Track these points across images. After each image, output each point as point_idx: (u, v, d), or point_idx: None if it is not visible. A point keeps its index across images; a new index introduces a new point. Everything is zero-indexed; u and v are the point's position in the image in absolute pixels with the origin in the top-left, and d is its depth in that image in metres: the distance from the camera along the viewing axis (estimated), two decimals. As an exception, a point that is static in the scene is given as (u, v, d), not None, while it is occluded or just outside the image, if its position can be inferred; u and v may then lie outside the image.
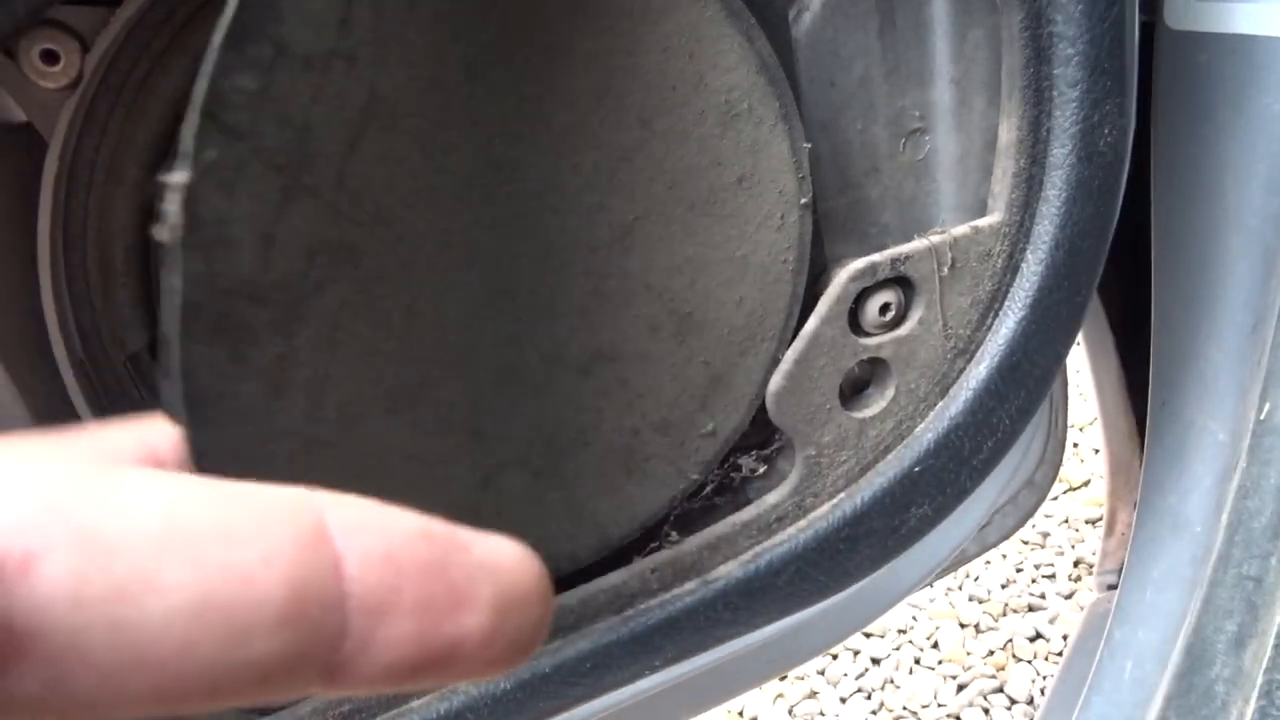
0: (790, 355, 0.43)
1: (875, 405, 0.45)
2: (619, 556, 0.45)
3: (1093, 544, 1.60)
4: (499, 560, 0.22)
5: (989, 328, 0.45)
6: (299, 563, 0.18)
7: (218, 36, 0.26)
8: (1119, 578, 0.64)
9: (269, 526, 0.18)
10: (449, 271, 0.36)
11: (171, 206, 0.25)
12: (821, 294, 0.44)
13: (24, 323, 0.33)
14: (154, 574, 0.17)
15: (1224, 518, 0.49)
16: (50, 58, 0.31)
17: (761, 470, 0.47)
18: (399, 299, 0.34)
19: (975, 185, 0.47)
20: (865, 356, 0.44)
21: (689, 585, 0.45)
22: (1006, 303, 0.45)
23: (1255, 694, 0.43)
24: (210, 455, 0.27)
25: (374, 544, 0.20)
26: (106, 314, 0.35)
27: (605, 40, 0.37)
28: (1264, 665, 0.43)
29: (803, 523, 0.46)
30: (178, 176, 0.25)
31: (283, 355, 0.31)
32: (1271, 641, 0.43)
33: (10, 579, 0.16)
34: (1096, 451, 1.74)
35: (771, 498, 0.46)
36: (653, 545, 0.45)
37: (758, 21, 0.39)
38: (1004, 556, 1.59)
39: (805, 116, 0.42)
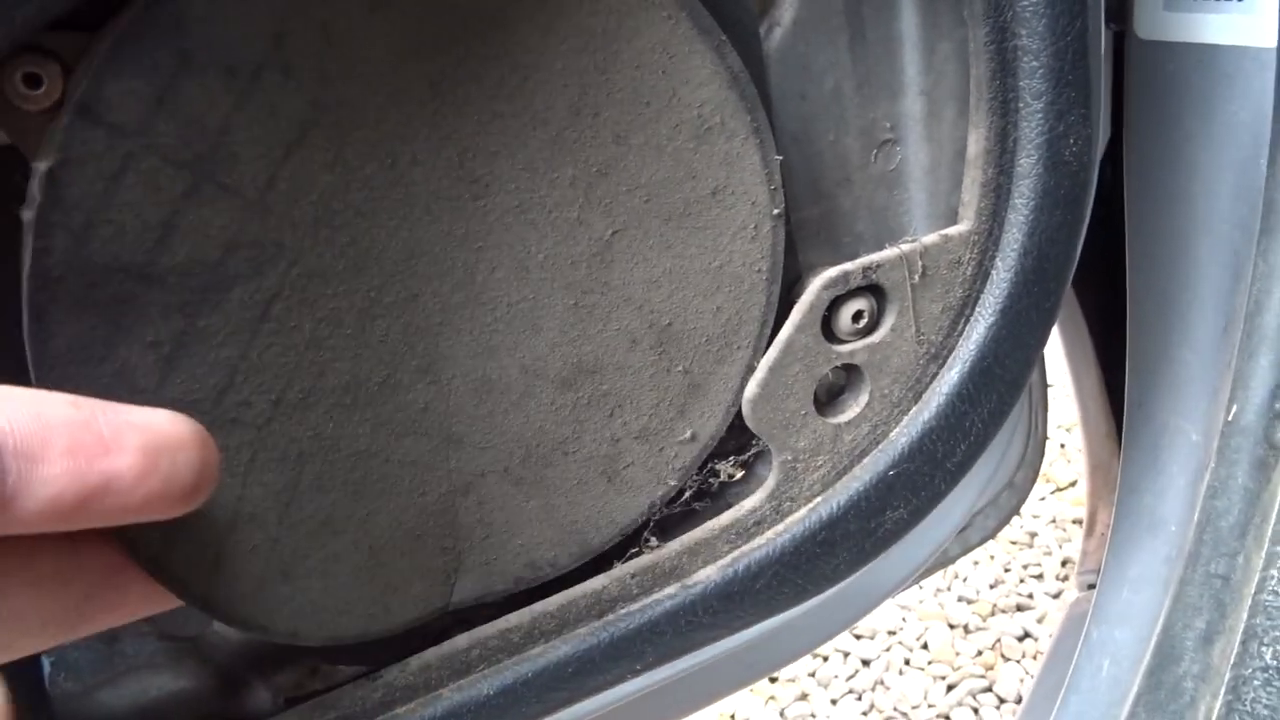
0: (765, 362, 0.44)
1: (850, 411, 0.46)
2: (599, 562, 0.46)
3: (1079, 544, 1.61)
4: (148, 417, 0.28)
5: (960, 333, 0.46)
6: None
7: (104, 45, 0.29)
8: (1098, 577, 0.65)
9: None
10: (415, 281, 0.38)
11: (33, 190, 0.30)
12: (796, 302, 0.45)
13: (6, 336, 0.34)
14: None
15: (1195, 517, 0.50)
16: (33, 81, 0.32)
17: (739, 476, 0.47)
18: (351, 300, 0.37)
19: (946, 194, 0.48)
20: (839, 363, 0.45)
21: (669, 590, 0.46)
22: (977, 309, 0.46)
23: (1223, 689, 0.44)
24: None
25: (22, 407, 0.25)
26: None
27: (579, 58, 0.37)
28: (1231, 661, 0.44)
29: (780, 527, 0.46)
30: (41, 163, 0.30)
31: (183, 332, 0.34)
32: (1239, 638, 0.44)
33: None
34: (1081, 451, 1.75)
35: (749, 503, 0.46)
36: (633, 551, 0.46)
37: (729, 37, 0.40)
38: (992, 557, 1.60)
39: (777, 129, 0.43)
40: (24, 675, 0.39)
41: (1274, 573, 0.45)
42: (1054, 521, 1.65)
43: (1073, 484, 1.71)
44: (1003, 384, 0.46)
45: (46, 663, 0.40)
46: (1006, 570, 1.57)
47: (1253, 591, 0.45)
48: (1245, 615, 0.44)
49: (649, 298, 0.42)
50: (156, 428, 0.28)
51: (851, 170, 0.46)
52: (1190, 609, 0.46)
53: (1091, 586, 0.81)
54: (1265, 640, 0.43)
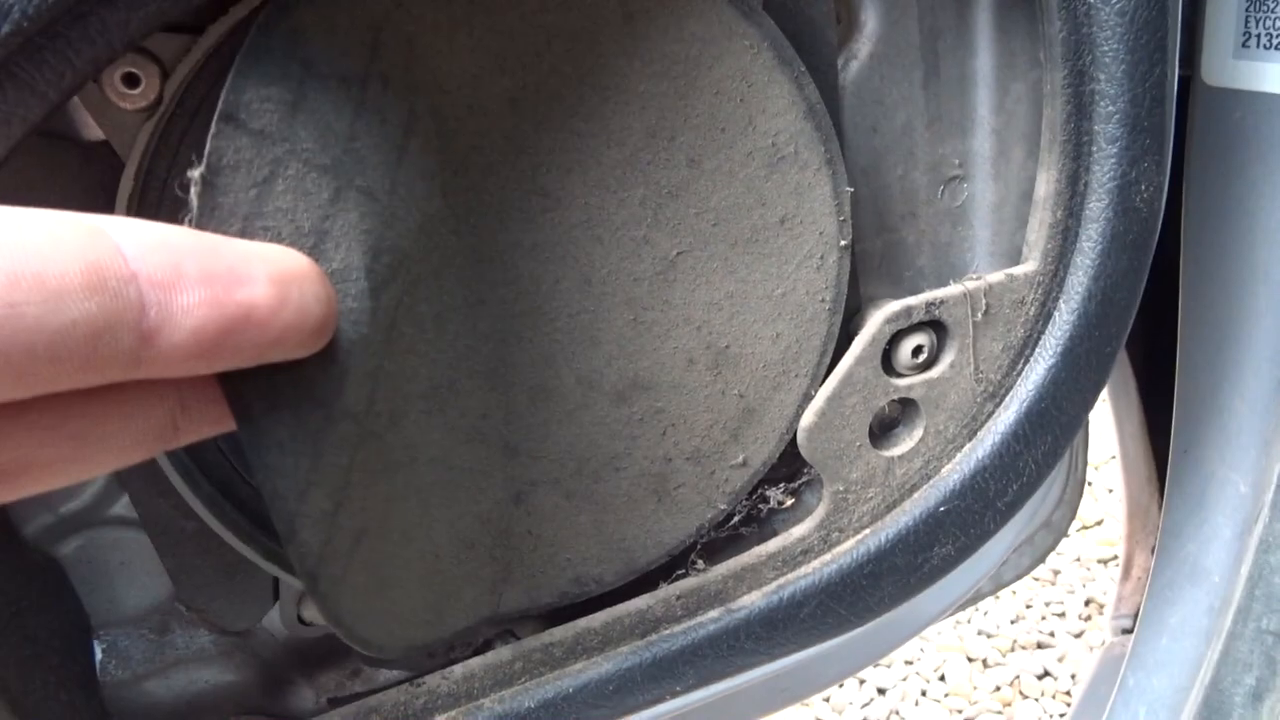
0: (823, 392, 0.44)
1: (904, 444, 0.46)
2: (645, 581, 0.46)
3: (1104, 584, 1.60)
4: (266, 249, 0.27)
5: (1019, 373, 0.46)
6: (85, 245, 0.23)
7: (239, 56, 0.29)
8: (1134, 622, 0.65)
9: (54, 225, 0.23)
10: (483, 286, 0.38)
11: (192, 199, 0.28)
12: (854, 332, 0.45)
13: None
14: None
15: (1244, 570, 0.50)
16: (131, 80, 0.32)
17: (789, 503, 0.47)
18: (431, 304, 0.36)
19: (1010, 233, 0.47)
20: (896, 397, 0.45)
21: (713, 613, 0.46)
22: (1037, 350, 0.45)
23: (1270, 749, 0.43)
24: (276, 425, 0.31)
25: (147, 234, 0.24)
26: None
27: (660, 83, 0.38)
28: (1280, 720, 0.43)
29: (827, 557, 0.46)
30: (195, 171, 0.28)
31: (351, 341, 0.33)
32: (1288, 697, 0.44)
33: None
34: (1111, 491, 1.74)
35: (798, 530, 0.46)
36: (679, 572, 0.46)
37: (807, 68, 0.40)
38: (1014, 592, 1.59)
39: (847, 161, 0.43)
40: (76, 662, 0.40)
41: (1324, 632, 0.44)
42: (1079, 560, 1.63)
43: (1099, 523, 1.69)
44: (1059, 426, 0.46)
45: (98, 650, 0.41)
46: (1028, 606, 1.56)
47: (1304, 650, 0.44)
48: (1296, 674, 0.44)
49: (709, 319, 0.42)
50: (276, 258, 0.27)
51: (918, 205, 0.46)
52: (1240, 665, 0.46)
53: (1126, 631, 0.80)
54: (1316, 701, 0.42)
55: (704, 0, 0.37)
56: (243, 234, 0.30)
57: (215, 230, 0.29)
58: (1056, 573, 1.62)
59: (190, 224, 0.29)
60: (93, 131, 0.33)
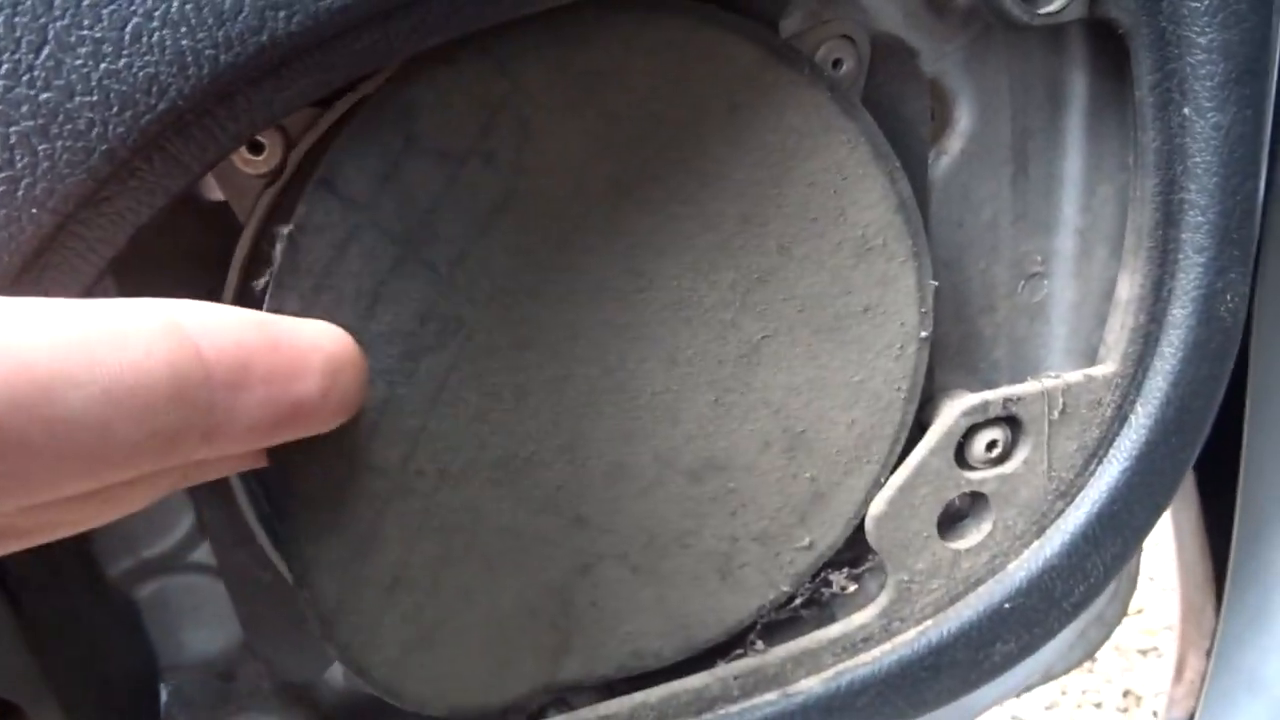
0: (895, 481, 0.44)
1: (971, 538, 0.46)
2: (703, 659, 0.45)
3: (1142, 674, 1.56)
4: (321, 335, 0.28)
5: (1092, 474, 0.46)
6: (171, 352, 0.23)
7: (349, 126, 0.31)
8: (1186, 728, 0.63)
9: (142, 327, 0.23)
10: (571, 362, 0.39)
11: (277, 254, 0.31)
12: (926, 421, 0.45)
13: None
14: (69, 373, 0.21)
15: (1311, 688, 0.49)
16: (256, 148, 0.34)
17: (851, 589, 0.47)
18: (512, 376, 0.38)
19: (1087, 332, 0.47)
20: (967, 490, 0.45)
21: (769, 696, 0.45)
22: (1111, 452, 0.45)
23: None
24: (300, 476, 0.34)
25: (221, 331, 0.25)
26: None
27: (757, 172, 0.39)
28: None
29: (887, 646, 0.46)
30: (285, 229, 0.31)
31: (385, 400, 0.35)
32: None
33: None
34: (1152, 579, 1.70)
35: (859, 618, 0.46)
36: (737, 652, 0.46)
37: (900, 163, 0.40)
38: (1049, 677, 1.55)
39: (932, 253, 0.43)
40: (144, 703, 0.41)
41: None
42: (1117, 648, 1.59)
43: (1139, 611, 1.65)
44: (1128, 530, 0.46)
45: (164, 692, 0.41)
46: (1063, 693, 1.52)
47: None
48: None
49: (787, 403, 0.42)
50: (333, 347, 0.28)
51: (997, 299, 0.46)
52: (1308, 789, 0.45)
53: (1177, 735, 0.78)
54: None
55: (806, 94, 0.38)
56: (314, 290, 0.32)
57: (291, 284, 0.32)
58: (1094, 660, 1.58)
59: (271, 278, 0.32)
60: (214, 193, 0.35)
